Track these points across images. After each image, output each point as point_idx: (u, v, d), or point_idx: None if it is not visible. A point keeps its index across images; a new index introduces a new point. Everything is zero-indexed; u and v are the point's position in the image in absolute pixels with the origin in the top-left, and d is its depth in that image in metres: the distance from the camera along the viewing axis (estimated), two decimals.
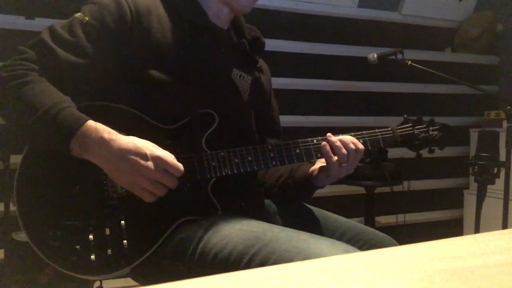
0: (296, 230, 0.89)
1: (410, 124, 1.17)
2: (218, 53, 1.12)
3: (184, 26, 1.06)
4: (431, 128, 1.18)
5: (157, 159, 0.90)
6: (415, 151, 1.19)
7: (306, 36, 2.70)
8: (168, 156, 0.92)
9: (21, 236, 1.70)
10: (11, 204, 1.75)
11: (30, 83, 0.90)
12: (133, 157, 0.88)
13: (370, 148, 1.11)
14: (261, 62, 1.28)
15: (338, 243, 0.86)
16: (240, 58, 1.17)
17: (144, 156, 0.89)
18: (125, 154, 0.88)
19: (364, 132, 1.12)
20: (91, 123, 0.89)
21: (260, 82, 1.23)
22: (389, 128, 1.15)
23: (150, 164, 0.89)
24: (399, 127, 1.17)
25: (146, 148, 0.90)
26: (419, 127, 1.17)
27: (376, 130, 1.13)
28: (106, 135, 0.89)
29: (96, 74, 0.99)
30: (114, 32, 0.99)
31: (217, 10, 1.12)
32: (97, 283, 1.78)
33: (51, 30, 0.98)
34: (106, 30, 0.98)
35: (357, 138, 1.09)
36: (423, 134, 1.16)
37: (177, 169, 0.92)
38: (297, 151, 1.06)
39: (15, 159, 1.75)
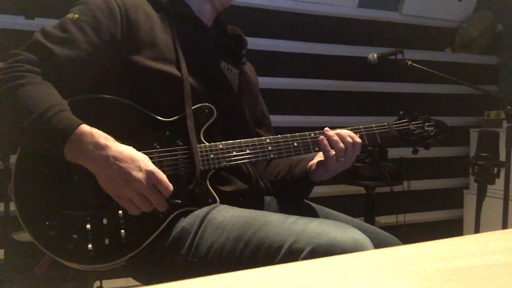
0: (287, 215, 0.90)
1: (406, 120, 1.19)
2: (205, 45, 1.14)
3: (170, 19, 1.09)
4: (426, 124, 1.20)
5: (149, 174, 0.89)
6: (412, 146, 1.20)
7: (306, 36, 2.70)
8: (161, 173, 0.91)
9: (21, 236, 1.70)
10: (11, 204, 1.75)
11: (26, 85, 0.90)
12: (125, 166, 0.88)
13: (367, 143, 1.12)
14: (248, 63, 1.31)
15: (326, 221, 0.87)
16: (225, 52, 1.20)
17: (137, 168, 0.88)
18: (118, 162, 0.88)
19: (361, 126, 1.13)
20: (85, 127, 0.88)
21: (247, 75, 1.25)
22: (386, 123, 1.16)
23: (141, 176, 0.88)
24: (395, 122, 1.19)
25: (141, 160, 0.90)
26: (415, 122, 1.20)
27: (373, 125, 1.14)
28: (102, 140, 0.88)
29: (94, 66, 1.00)
30: (105, 26, 1.00)
31: (199, 5, 1.16)
32: (97, 283, 1.78)
33: (43, 31, 0.99)
34: (97, 24, 1.00)
35: (354, 133, 1.10)
36: (418, 130, 1.18)
37: (166, 188, 0.91)
38: (295, 144, 1.07)
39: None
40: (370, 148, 2.32)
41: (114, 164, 0.88)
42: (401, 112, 1.21)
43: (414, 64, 1.96)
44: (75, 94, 0.97)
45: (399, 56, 2.02)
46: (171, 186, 0.92)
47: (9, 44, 2.02)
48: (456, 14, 3.10)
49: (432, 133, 1.19)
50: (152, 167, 0.90)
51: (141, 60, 1.01)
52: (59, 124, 0.87)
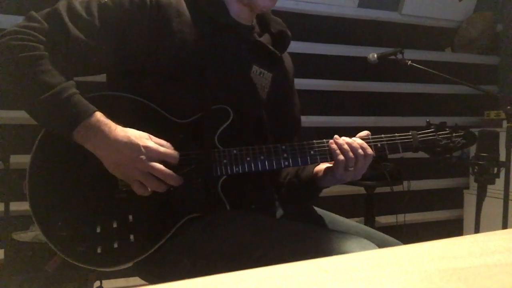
0: (302, 224, 0.92)
1: (433, 129, 1.11)
2: (238, 50, 1.10)
3: (204, 22, 1.05)
4: (454, 134, 1.11)
5: (149, 150, 0.90)
6: (435, 158, 1.12)
7: (306, 36, 2.70)
8: (160, 147, 0.92)
9: (21, 236, 1.70)
10: (11, 204, 1.75)
11: (42, 59, 0.91)
12: (126, 149, 0.89)
13: (388, 153, 1.06)
14: (286, 57, 1.25)
15: (360, 239, 0.87)
16: (261, 54, 1.14)
17: (136, 148, 0.90)
18: (119, 146, 0.89)
19: (382, 136, 1.07)
20: (97, 114, 0.90)
21: (281, 78, 1.20)
22: (410, 133, 1.09)
23: (142, 156, 0.90)
24: (420, 132, 1.10)
25: (139, 139, 0.91)
26: (441, 132, 1.11)
27: (396, 135, 1.07)
28: (106, 128, 0.90)
29: (105, 59, 0.99)
30: (130, 19, 0.98)
31: (238, 9, 1.11)
32: (97, 283, 1.78)
33: (69, 3, 0.97)
34: (122, 16, 0.98)
35: (375, 142, 1.05)
36: (445, 141, 1.10)
37: (172, 156, 0.92)
38: (312, 152, 1.02)
39: (15, 159, 1.74)
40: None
41: (116, 149, 0.89)
42: (428, 121, 1.12)
43: (414, 64, 1.97)
44: (75, 76, 0.98)
45: (399, 56, 2.02)
46: (176, 153, 0.93)
47: None
48: (456, 14, 3.10)
49: (460, 145, 1.10)
50: (150, 143, 0.91)
51: (164, 62, 0.99)
52: (74, 108, 0.89)
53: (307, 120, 2.66)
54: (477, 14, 3.10)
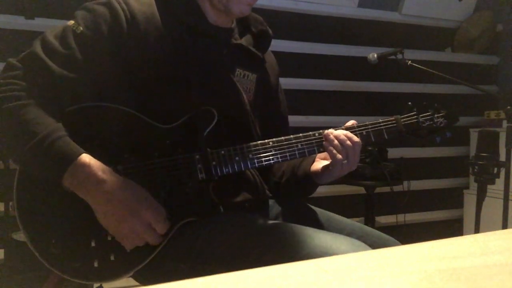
0: (296, 226, 0.91)
1: (415, 112, 1.13)
2: (219, 55, 1.09)
3: (183, 31, 1.04)
4: (436, 115, 1.14)
5: (144, 214, 0.89)
6: (420, 140, 1.15)
7: (306, 36, 2.70)
8: (156, 214, 0.90)
9: (21, 236, 1.70)
10: (11, 204, 1.75)
11: (25, 107, 0.89)
12: (121, 207, 0.88)
13: (373, 140, 1.08)
14: (269, 56, 1.24)
15: (341, 237, 0.88)
16: (244, 57, 1.14)
17: (132, 209, 0.88)
18: (113, 201, 0.87)
19: (367, 123, 1.09)
20: (84, 158, 0.88)
21: (266, 78, 1.20)
22: (393, 118, 1.11)
23: (136, 217, 0.88)
24: (404, 116, 1.13)
25: (137, 199, 0.89)
26: (423, 115, 1.13)
27: (380, 121, 1.10)
28: (99, 174, 0.87)
29: (90, 85, 0.97)
30: (108, 41, 0.96)
31: (215, 15, 1.10)
32: (97, 283, 1.78)
33: (43, 42, 0.95)
34: (100, 41, 0.96)
35: (360, 130, 1.07)
36: (428, 122, 1.13)
37: (162, 227, 0.91)
38: (299, 146, 1.03)
39: None
40: (370, 148, 2.33)
41: (109, 201, 0.87)
42: (410, 103, 1.14)
43: (414, 64, 1.97)
44: (65, 107, 0.95)
45: (399, 56, 2.02)
46: (166, 226, 0.91)
47: (9, 44, 2.02)
48: (456, 14, 3.10)
49: (442, 125, 1.13)
50: (146, 206, 0.89)
51: (147, 76, 0.98)
52: (59, 153, 0.86)
53: (307, 120, 2.67)
54: (477, 14, 3.11)
